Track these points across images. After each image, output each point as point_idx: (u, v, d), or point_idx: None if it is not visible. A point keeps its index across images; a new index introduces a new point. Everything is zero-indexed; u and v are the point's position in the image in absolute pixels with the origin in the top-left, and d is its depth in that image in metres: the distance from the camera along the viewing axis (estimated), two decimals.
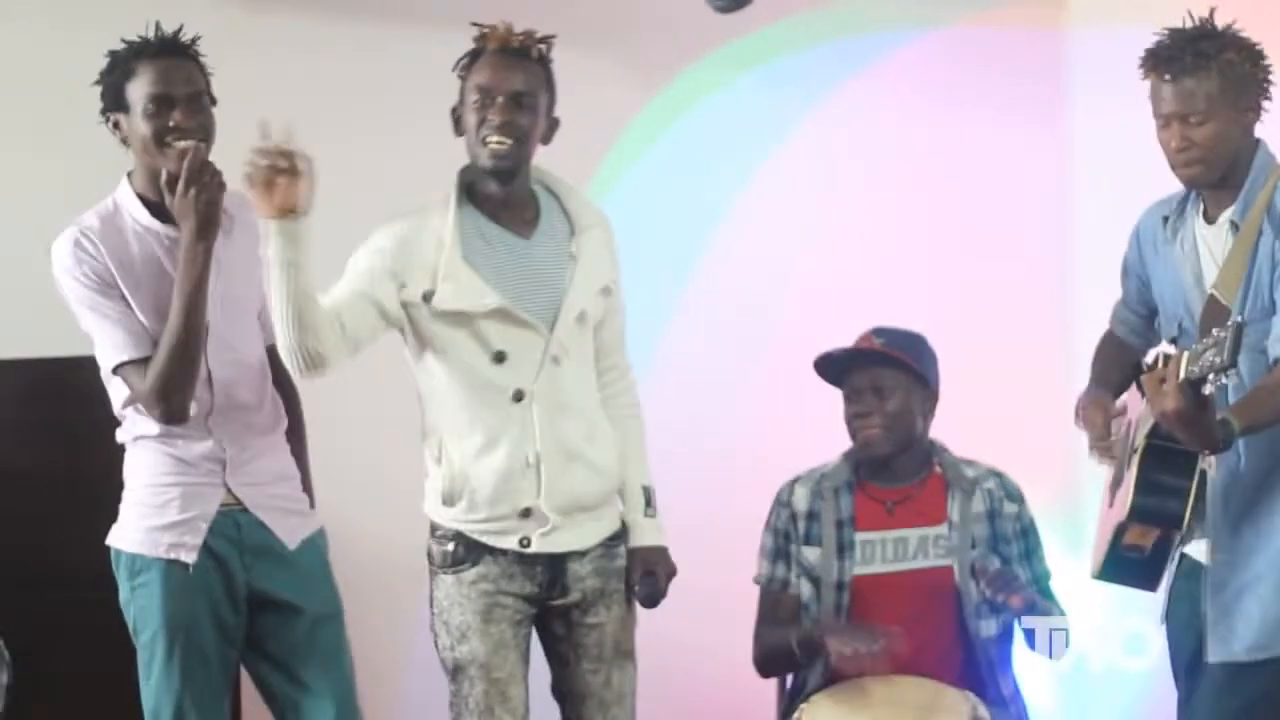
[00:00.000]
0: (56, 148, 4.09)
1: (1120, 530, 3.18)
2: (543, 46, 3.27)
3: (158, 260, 3.23)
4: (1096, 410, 3.33)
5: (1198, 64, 3.06)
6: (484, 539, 3.27)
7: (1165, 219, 3.24)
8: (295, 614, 3.34)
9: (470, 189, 3.30)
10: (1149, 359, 3.25)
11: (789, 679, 3.71)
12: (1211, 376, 2.77)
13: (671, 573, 3.38)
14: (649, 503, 3.38)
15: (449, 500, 3.27)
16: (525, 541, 3.25)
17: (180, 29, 3.22)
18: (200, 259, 3.13)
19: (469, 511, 3.26)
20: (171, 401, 3.17)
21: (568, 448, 3.25)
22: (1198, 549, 3.17)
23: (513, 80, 3.22)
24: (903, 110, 4.78)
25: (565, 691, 3.38)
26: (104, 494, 3.35)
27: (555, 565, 3.29)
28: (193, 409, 3.23)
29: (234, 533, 3.30)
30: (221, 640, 3.30)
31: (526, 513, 3.25)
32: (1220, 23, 3.13)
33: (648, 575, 3.34)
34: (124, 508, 3.32)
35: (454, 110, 3.30)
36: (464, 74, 3.28)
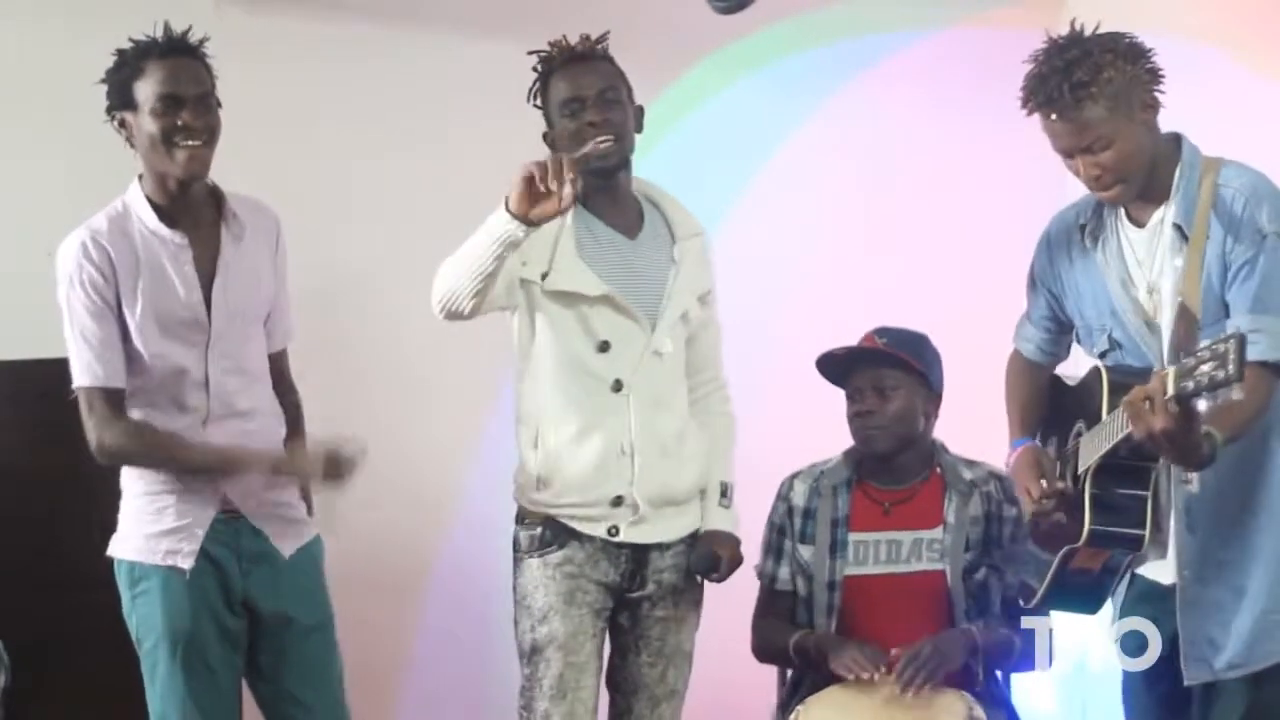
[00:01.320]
0: (57, 148, 4.09)
1: (1070, 554, 3.08)
2: (602, 45, 3.37)
3: (161, 265, 3.24)
4: (1030, 473, 3.15)
5: (1079, 95, 2.91)
6: (573, 524, 3.34)
7: (1083, 227, 3.13)
8: (284, 624, 3.35)
9: None
10: (1071, 371, 3.17)
11: (787, 675, 3.71)
12: (1209, 392, 2.63)
13: (735, 559, 3.45)
14: (724, 494, 3.46)
15: (543, 484, 3.34)
16: (614, 530, 3.34)
17: (189, 29, 3.23)
18: (244, 473, 3.25)
19: (561, 495, 3.33)
20: (107, 459, 3.25)
21: (661, 441, 3.35)
22: (1157, 570, 3.09)
23: (594, 82, 3.32)
24: (903, 112, 4.78)
25: (620, 681, 3.46)
26: (105, 496, 3.35)
27: (639, 556, 3.38)
28: (190, 418, 3.25)
29: (231, 539, 3.30)
30: (225, 645, 3.30)
31: (618, 501, 3.33)
32: (1088, 26, 2.99)
33: (711, 554, 3.41)
34: (122, 517, 3.33)
35: (545, 136, 3.38)
36: (542, 97, 3.37)
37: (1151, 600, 3.11)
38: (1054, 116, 2.96)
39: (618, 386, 3.33)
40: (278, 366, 3.46)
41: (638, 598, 3.40)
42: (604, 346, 3.32)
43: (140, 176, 3.29)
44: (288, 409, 3.47)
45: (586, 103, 3.30)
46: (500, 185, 3.33)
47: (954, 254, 4.71)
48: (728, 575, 3.46)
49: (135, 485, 3.31)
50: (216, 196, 3.32)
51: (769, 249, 4.70)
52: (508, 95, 3.47)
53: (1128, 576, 3.16)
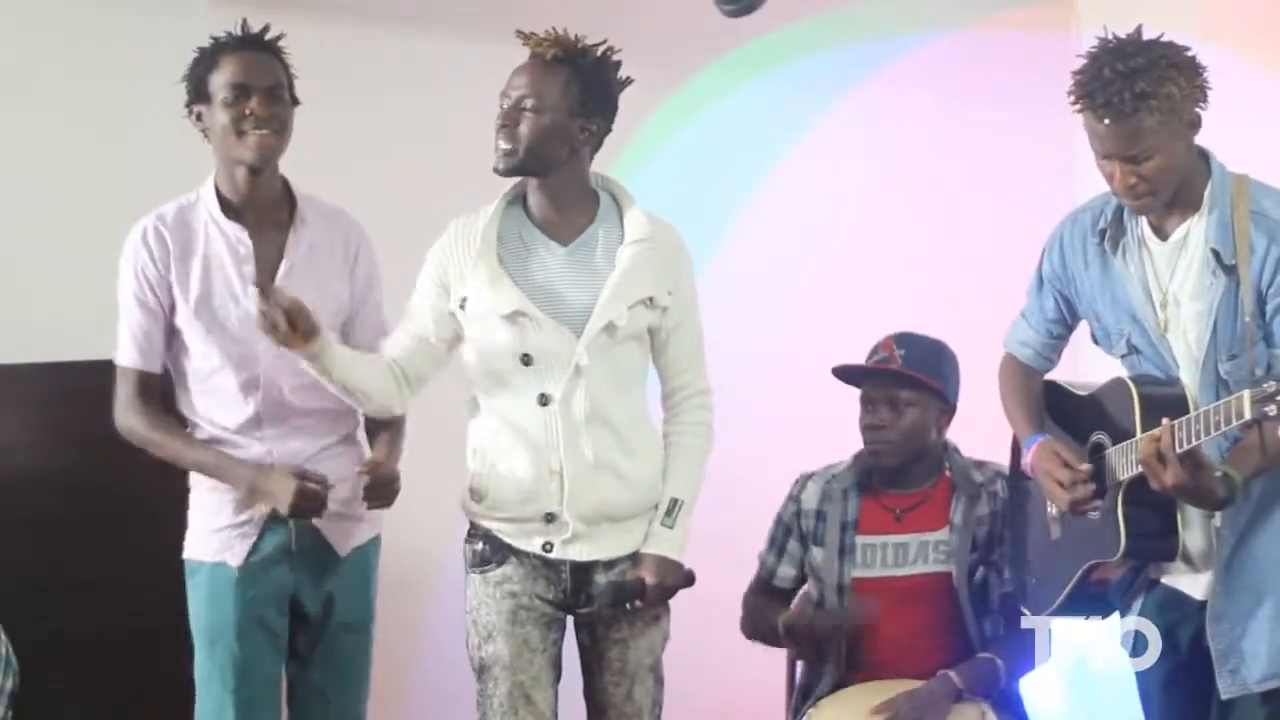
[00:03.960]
0: (58, 150, 4.07)
1: (1094, 567, 3.09)
2: (557, 50, 3.21)
3: (221, 259, 3.27)
4: (1055, 462, 3.12)
5: (1138, 105, 2.88)
6: (510, 540, 3.28)
7: (1103, 231, 3.10)
8: (325, 617, 3.37)
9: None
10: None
11: (796, 678, 3.72)
12: None
13: (665, 584, 3.28)
14: (669, 512, 3.30)
15: (475, 495, 3.29)
16: (548, 546, 3.26)
17: (266, 27, 3.29)
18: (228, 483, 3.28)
19: (494, 510, 3.28)
20: (125, 436, 3.30)
21: (595, 457, 3.23)
22: (1184, 582, 3.10)
23: (517, 84, 3.22)
24: (914, 113, 4.79)
25: (591, 697, 3.40)
26: (116, 498, 3.36)
27: (580, 574, 3.29)
28: (242, 413, 3.28)
29: (285, 537, 3.31)
30: (267, 644, 3.32)
31: (550, 518, 3.25)
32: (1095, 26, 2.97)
33: (634, 579, 3.27)
34: (189, 514, 3.36)
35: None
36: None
37: (1173, 608, 3.12)
38: (1108, 121, 2.91)
39: (544, 400, 3.22)
40: None
41: (589, 616, 3.31)
42: (527, 360, 3.22)
43: (216, 173, 3.31)
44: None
45: (503, 103, 3.21)
46: (499, 187, 3.33)
47: (966, 255, 4.71)
48: (657, 601, 3.30)
49: (202, 481, 3.33)
50: (292, 200, 3.34)
51: (779, 252, 4.71)
52: None
53: (1145, 583, 3.16)
